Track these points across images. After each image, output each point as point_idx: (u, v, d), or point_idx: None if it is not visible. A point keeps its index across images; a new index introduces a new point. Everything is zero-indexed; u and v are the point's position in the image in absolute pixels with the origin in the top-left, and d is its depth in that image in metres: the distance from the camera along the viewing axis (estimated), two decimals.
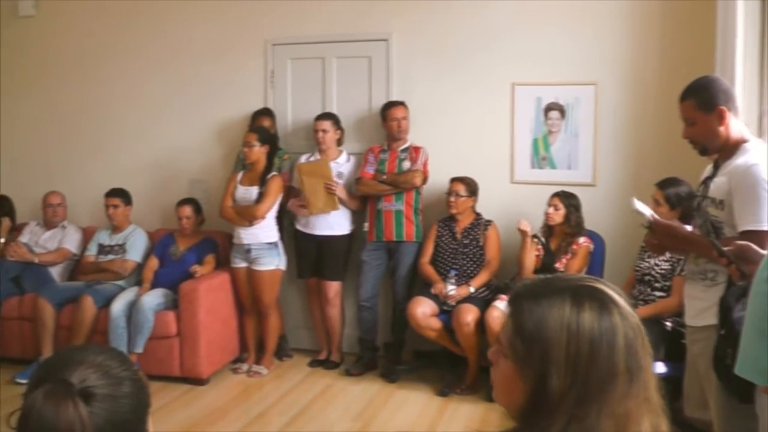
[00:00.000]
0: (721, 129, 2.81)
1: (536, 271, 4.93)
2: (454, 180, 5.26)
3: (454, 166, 5.38)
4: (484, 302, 5.01)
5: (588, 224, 4.99)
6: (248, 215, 5.30)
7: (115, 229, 5.85)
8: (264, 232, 5.35)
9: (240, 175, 5.48)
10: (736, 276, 2.40)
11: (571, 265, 4.85)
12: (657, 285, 4.45)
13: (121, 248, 5.76)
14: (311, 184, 5.40)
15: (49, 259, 5.84)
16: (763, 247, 2.31)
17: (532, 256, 4.94)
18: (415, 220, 5.40)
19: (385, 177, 5.39)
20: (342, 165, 5.56)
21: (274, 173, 5.39)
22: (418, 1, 5.57)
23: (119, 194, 5.82)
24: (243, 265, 5.44)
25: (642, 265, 4.53)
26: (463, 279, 5.17)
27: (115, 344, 5.06)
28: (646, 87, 5.15)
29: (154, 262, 5.65)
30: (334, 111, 5.68)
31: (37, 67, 6.56)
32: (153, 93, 6.27)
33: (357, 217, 5.61)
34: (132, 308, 5.25)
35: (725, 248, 2.39)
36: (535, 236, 5.01)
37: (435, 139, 5.53)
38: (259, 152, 5.33)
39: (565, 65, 5.30)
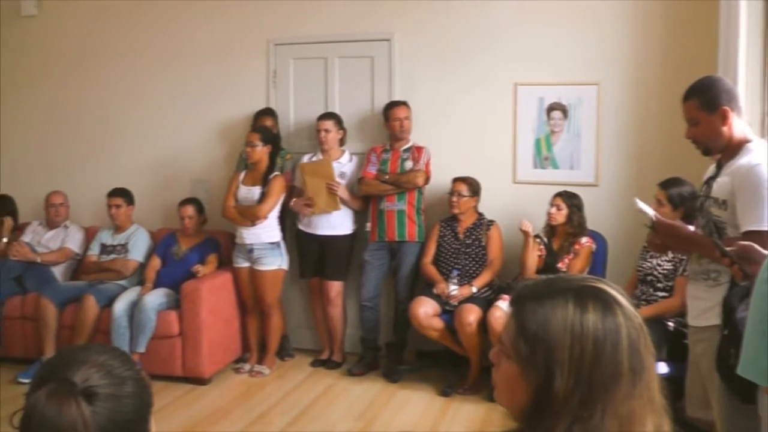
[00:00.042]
0: (724, 129, 2.80)
1: (538, 271, 4.92)
2: (456, 180, 5.26)
3: (456, 166, 5.38)
4: (486, 302, 5.01)
5: (590, 224, 4.99)
6: (250, 215, 5.30)
7: (118, 228, 5.85)
8: (266, 232, 5.36)
9: (242, 175, 5.48)
10: (739, 276, 2.40)
11: (573, 265, 4.85)
12: (659, 285, 4.44)
13: (124, 248, 5.77)
14: (313, 183, 5.40)
15: (52, 258, 5.85)
16: (765, 248, 2.30)
17: (534, 257, 4.94)
18: (417, 220, 5.40)
19: (387, 177, 5.39)
20: (344, 165, 5.56)
21: (276, 173, 5.39)
22: (421, 1, 5.57)
23: (122, 194, 5.82)
24: (245, 264, 5.44)
25: (644, 266, 4.53)
26: (466, 279, 5.17)
27: (118, 344, 5.06)
28: (649, 87, 5.14)
29: (156, 262, 5.65)
30: (337, 111, 5.68)
31: (40, 67, 6.57)
32: (155, 93, 6.27)
33: (359, 217, 5.61)
34: (134, 308, 5.25)
35: (728, 248, 2.39)
36: (537, 236, 5.00)
37: (437, 139, 5.52)
38: (261, 152, 5.33)
39: (568, 65, 5.29)
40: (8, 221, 5.99)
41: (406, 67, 5.65)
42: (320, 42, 5.82)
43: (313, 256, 5.60)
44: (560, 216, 4.92)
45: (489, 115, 5.50)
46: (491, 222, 5.29)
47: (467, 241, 5.24)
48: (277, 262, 5.40)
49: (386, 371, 5.41)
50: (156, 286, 5.48)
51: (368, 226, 5.51)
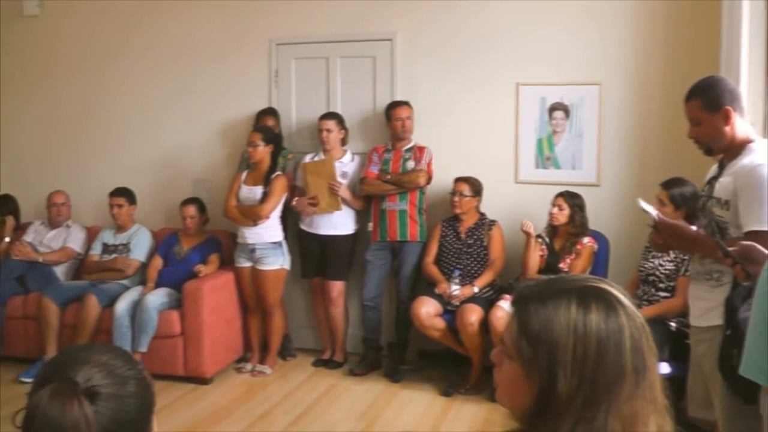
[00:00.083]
0: (727, 129, 2.80)
1: (540, 271, 4.92)
2: (458, 180, 5.26)
3: (458, 166, 5.38)
4: (488, 302, 5.00)
5: (592, 224, 4.99)
6: (252, 215, 5.30)
7: (120, 228, 5.86)
8: (268, 231, 5.36)
9: (244, 175, 5.48)
10: (741, 276, 2.40)
11: (575, 265, 4.85)
12: (661, 285, 4.44)
13: (126, 247, 5.77)
14: (315, 183, 5.41)
15: (54, 258, 5.85)
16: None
17: (536, 257, 4.94)
18: (419, 220, 5.40)
19: (389, 177, 5.39)
20: (346, 164, 5.56)
21: (278, 173, 5.40)
22: (423, 1, 5.57)
23: (123, 194, 5.82)
24: (247, 264, 5.45)
25: (646, 266, 4.53)
26: (467, 279, 5.17)
27: (119, 343, 5.06)
28: (651, 87, 5.14)
29: (158, 262, 5.66)
30: (339, 111, 5.67)
31: (42, 67, 6.57)
32: (157, 92, 6.27)
33: (361, 217, 5.61)
34: (136, 307, 5.26)
35: (730, 248, 2.38)
36: (539, 236, 5.00)
37: (439, 138, 5.52)
38: (263, 152, 5.33)
39: (570, 65, 5.29)
40: (10, 221, 6.00)
41: (408, 67, 5.65)
42: (322, 42, 5.81)
43: (314, 256, 5.60)
44: (562, 216, 4.92)
45: (491, 115, 5.50)
46: (493, 222, 5.29)
47: (469, 241, 5.24)
48: (279, 261, 5.40)
49: (388, 371, 5.41)
50: (158, 285, 5.48)
51: (370, 225, 5.51)
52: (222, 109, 6.09)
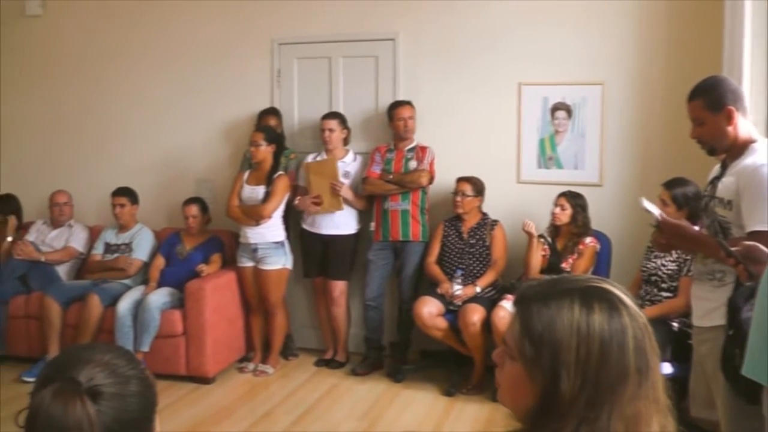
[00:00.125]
0: (730, 129, 2.80)
1: (542, 271, 4.92)
2: (460, 180, 5.26)
3: (460, 166, 5.38)
4: (490, 302, 5.00)
5: (594, 224, 4.98)
6: (255, 215, 5.31)
7: (122, 228, 5.86)
8: (270, 231, 5.36)
9: (246, 175, 5.48)
10: (744, 276, 2.39)
11: (577, 265, 4.84)
12: (664, 285, 4.44)
13: (128, 247, 5.77)
14: (318, 183, 5.41)
15: (56, 257, 5.86)
16: None
17: (538, 257, 4.94)
18: (421, 220, 5.40)
19: (391, 177, 5.39)
20: (349, 164, 5.56)
21: (280, 172, 5.40)
22: (425, 0, 5.56)
23: (126, 193, 5.83)
24: (249, 264, 5.45)
25: (649, 266, 4.52)
26: (470, 279, 5.16)
27: (122, 343, 5.06)
28: (653, 87, 5.13)
29: (160, 261, 5.66)
30: (341, 110, 5.67)
31: (44, 66, 6.58)
32: (160, 92, 6.28)
33: (363, 217, 5.61)
34: (138, 307, 5.26)
35: (733, 248, 2.38)
36: (541, 236, 5.00)
37: (442, 138, 5.52)
38: (265, 151, 5.33)
39: (572, 65, 5.29)
40: (12, 220, 6.00)
41: (410, 67, 5.65)
42: (324, 41, 5.82)
43: (317, 256, 5.60)
44: (564, 216, 4.92)
45: (493, 115, 5.49)
46: (495, 222, 5.29)
47: (471, 241, 5.24)
48: (281, 261, 5.40)
49: (390, 371, 5.41)
50: (160, 285, 5.48)
51: (372, 225, 5.51)
52: (224, 108, 6.10)
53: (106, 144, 6.45)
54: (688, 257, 4.16)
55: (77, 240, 5.99)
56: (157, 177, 6.30)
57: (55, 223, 6.08)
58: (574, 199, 4.93)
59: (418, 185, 5.35)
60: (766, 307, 1.89)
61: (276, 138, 5.44)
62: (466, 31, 5.50)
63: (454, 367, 5.24)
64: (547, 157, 5.42)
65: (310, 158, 5.59)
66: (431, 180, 5.40)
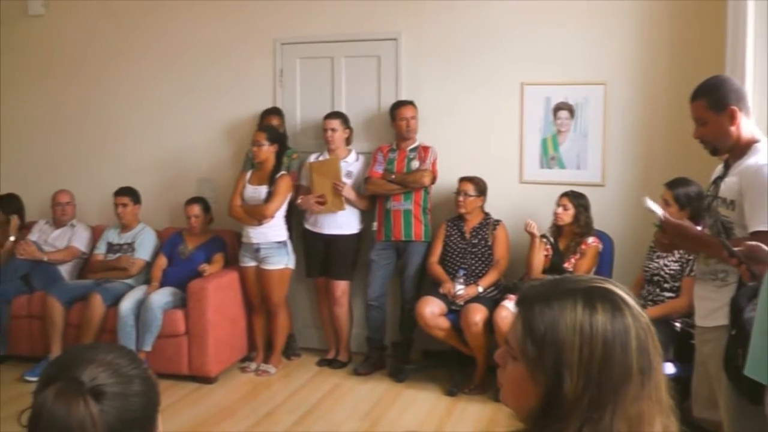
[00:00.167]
0: (732, 129, 2.80)
1: (545, 271, 4.92)
2: (462, 180, 5.26)
3: (463, 166, 5.37)
4: (492, 302, 5.00)
5: (597, 224, 4.98)
6: (257, 214, 5.31)
7: (124, 227, 5.87)
8: (273, 231, 5.36)
9: (249, 174, 5.48)
10: (747, 276, 2.39)
11: (579, 265, 4.84)
12: (666, 285, 4.43)
13: (130, 247, 5.78)
14: (320, 182, 5.41)
15: (58, 257, 5.87)
16: None
17: (540, 257, 4.94)
18: (423, 220, 5.40)
19: (393, 176, 5.39)
20: (351, 164, 5.56)
21: (283, 172, 5.40)
22: (427, 0, 5.56)
23: (128, 193, 5.83)
24: (252, 264, 5.45)
25: (651, 266, 4.52)
26: (472, 279, 5.16)
27: (124, 342, 5.07)
28: (656, 87, 5.13)
29: (162, 261, 5.66)
30: (343, 110, 5.68)
31: (47, 66, 6.59)
32: (162, 92, 6.28)
33: (366, 217, 5.61)
34: (141, 307, 5.27)
35: (736, 248, 2.38)
36: (543, 236, 5.00)
37: (444, 138, 5.52)
38: (268, 151, 5.34)
39: (574, 65, 5.29)
40: (15, 220, 6.01)
41: (412, 67, 5.65)
42: (327, 41, 5.82)
43: (319, 256, 5.60)
44: (567, 216, 4.91)
45: (495, 115, 5.49)
46: (497, 222, 5.29)
47: (473, 241, 5.24)
48: (283, 261, 5.40)
49: (392, 371, 5.41)
50: (162, 285, 5.49)
51: (375, 225, 5.50)
52: (226, 108, 6.10)
53: (109, 144, 6.45)
54: (691, 257, 4.16)
55: (80, 240, 5.99)
56: (160, 177, 6.31)
57: (57, 223, 6.08)
58: (577, 199, 4.93)
59: (421, 185, 5.35)
60: (766, 307, 1.89)
61: (278, 138, 5.45)
62: (469, 31, 5.50)
63: (456, 367, 5.24)
64: (550, 157, 5.41)
65: (312, 158, 5.59)
66: (434, 180, 5.40)
